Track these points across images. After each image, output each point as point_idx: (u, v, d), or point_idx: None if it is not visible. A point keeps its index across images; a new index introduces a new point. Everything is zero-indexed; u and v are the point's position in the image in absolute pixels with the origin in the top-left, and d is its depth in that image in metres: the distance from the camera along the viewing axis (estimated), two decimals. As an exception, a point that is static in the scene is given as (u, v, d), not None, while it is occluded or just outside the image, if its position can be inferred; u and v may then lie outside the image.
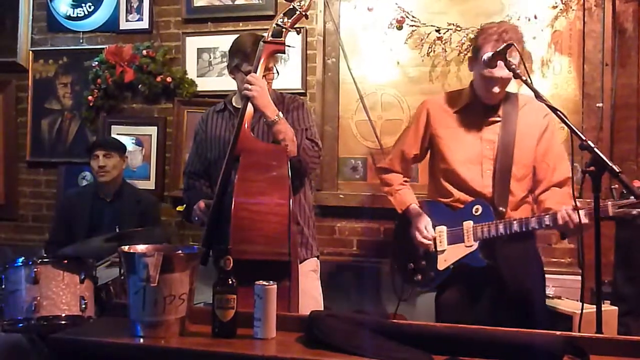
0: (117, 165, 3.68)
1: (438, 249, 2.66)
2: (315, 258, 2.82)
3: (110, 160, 3.64)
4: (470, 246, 2.58)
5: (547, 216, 2.45)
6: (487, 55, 2.47)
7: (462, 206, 2.63)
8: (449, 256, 2.64)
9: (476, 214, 2.58)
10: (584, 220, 2.33)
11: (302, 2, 2.47)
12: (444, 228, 2.66)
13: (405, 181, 2.86)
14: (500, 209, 2.56)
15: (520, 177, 2.60)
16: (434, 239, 2.66)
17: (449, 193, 2.67)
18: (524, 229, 2.49)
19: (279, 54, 2.65)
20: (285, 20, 2.48)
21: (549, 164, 2.62)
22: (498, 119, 2.63)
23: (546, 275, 2.76)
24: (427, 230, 2.65)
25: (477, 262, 2.57)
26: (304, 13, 2.48)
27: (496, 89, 2.54)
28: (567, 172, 2.60)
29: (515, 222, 2.50)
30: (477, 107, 2.65)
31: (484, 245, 2.57)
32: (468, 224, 2.59)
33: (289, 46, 2.55)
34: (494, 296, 2.58)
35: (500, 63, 2.41)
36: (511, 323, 2.28)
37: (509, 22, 3.54)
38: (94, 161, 3.63)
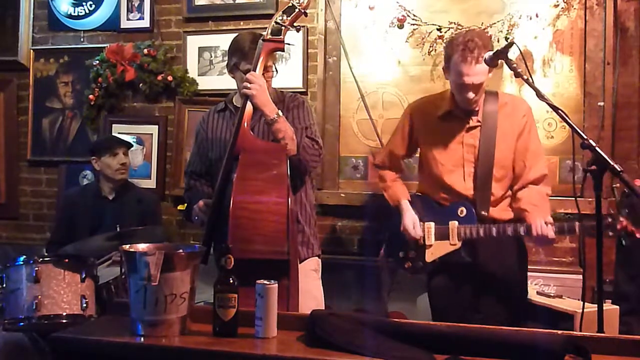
0: (130, 162, 3.75)
1: (426, 243, 2.82)
2: (317, 257, 2.82)
3: (128, 158, 3.69)
4: (455, 244, 2.75)
5: (522, 227, 2.64)
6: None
7: (448, 204, 2.80)
8: (435, 251, 2.80)
9: (461, 215, 2.75)
10: (552, 235, 2.58)
11: (301, 0, 2.47)
12: (432, 224, 2.81)
13: (398, 177, 3.01)
14: (483, 212, 2.72)
15: (500, 178, 2.75)
16: (423, 233, 2.82)
17: (435, 191, 2.85)
18: (500, 235, 2.67)
19: (278, 52, 2.65)
20: (285, 18, 2.48)
21: (526, 163, 2.75)
22: (478, 124, 2.76)
23: (547, 275, 2.83)
24: (415, 227, 2.81)
25: (460, 260, 2.75)
26: (303, 11, 2.48)
27: (470, 95, 2.65)
28: (543, 169, 2.77)
29: (494, 228, 2.67)
30: (458, 112, 2.78)
31: (467, 244, 2.74)
32: (453, 224, 2.75)
33: (288, 44, 2.55)
34: (476, 286, 2.75)
35: (473, 69, 2.57)
36: (494, 310, 2.67)
37: (510, 20, 3.55)
38: (113, 159, 3.62)
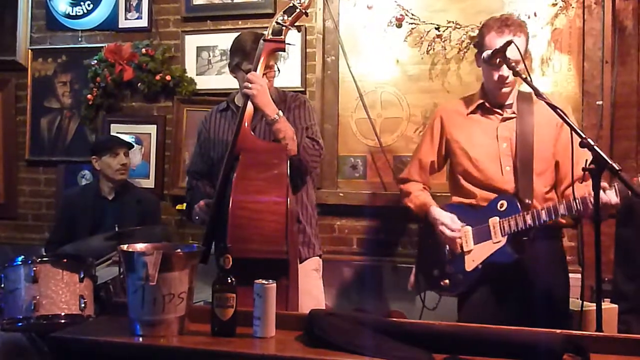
0: (131, 163, 3.75)
1: (465, 250, 2.59)
2: (318, 257, 2.81)
3: (128, 159, 3.70)
4: (498, 242, 2.52)
5: (576, 200, 2.36)
6: (486, 53, 2.48)
7: (485, 204, 2.58)
8: (476, 255, 2.56)
9: (501, 209, 2.53)
10: (615, 199, 2.31)
11: (302, 0, 2.46)
12: (469, 228, 2.59)
13: (425, 189, 2.81)
14: (527, 201, 2.51)
15: (540, 172, 2.56)
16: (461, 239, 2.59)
17: (471, 193, 2.64)
18: (553, 217, 2.42)
19: (279, 52, 2.65)
20: (286, 18, 2.48)
21: (571, 160, 2.49)
22: (513, 115, 2.61)
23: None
24: (454, 222, 2.58)
25: (507, 258, 2.50)
26: (304, 11, 2.48)
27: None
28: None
29: (543, 210, 2.43)
30: (489, 105, 2.64)
31: (512, 239, 2.51)
32: (494, 220, 2.53)
33: (289, 44, 2.55)
34: (520, 296, 2.51)
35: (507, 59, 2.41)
36: (536, 324, 2.21)
37: (508, 19, 3.54)
38: (113, 159, 3.63)
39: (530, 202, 2.51)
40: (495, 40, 2.49)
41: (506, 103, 2.62)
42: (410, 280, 2.82)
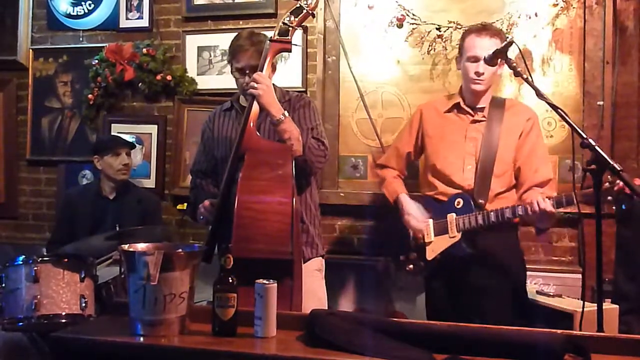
0: (132, 163, 3.75)
1: (426, 241, 2.84)
2: (321, 257, 2.82)
3: (130, 159, 3.69)
4: (454, 237, 2.75)
5: (519, 207, 2.63)
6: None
7: (446, 199, 2.81)
8: (435, 247, 2.81)
9: (458, 206, 2.76)
10: (551, 209, 2.54)
11: (309, 1, 2.47)
12: (430, 221, 2.84)
13: (399, 176, 3.05)
14: (480, 201, 2.73)
15: (499, 174, 2.77)
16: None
17: (432, 186, 2.88)
18: (499, 219, 2.66)
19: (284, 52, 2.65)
20: (292, 19, 2.48)
21: (532, 166, 2.77)
22: (483, 119, 2.83)
23: (547, 274, 2.82)
24: (420, 213, 2.84)
25: (461, 252, 2.73)
26: (310, 12, 2.48)
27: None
28: (549, 174, 2.78)
29: (492, 213, 2.67)
30: (465, 106, 2.86)
31: (467, 235, 2.73)
32: (451, 216, 2.77)
33: (295, 45, 2.55)
34: (477, 285, 2.73)
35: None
36: (493, 310, 2.63)
37: (509, 19, 3.55)
38: (115, 159, 3.63)
39: (484, 202, 2.73)
40: (474, 41, 2.76)
41: (478, 106, 2.85)
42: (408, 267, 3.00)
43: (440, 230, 2.80)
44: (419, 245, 2.86)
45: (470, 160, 2.80)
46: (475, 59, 2.74)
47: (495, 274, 2.74)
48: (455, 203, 2.78)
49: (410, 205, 2.88)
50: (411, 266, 2.88)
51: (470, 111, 2.86)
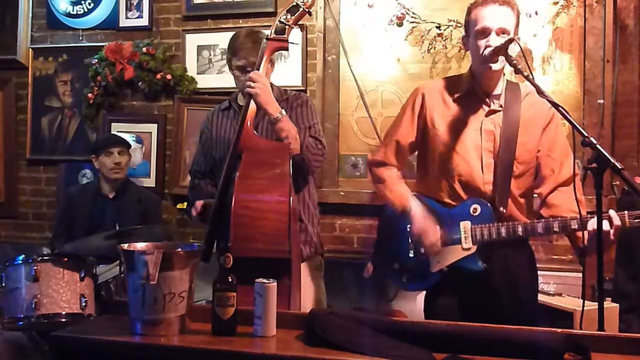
0: (128, 162, 3.74)
1: None
2: (320, 256, 2.81)
3: (123, 158, 3.68)
4: (469, 249, 2.34)
5: (573, 221, 2.22)
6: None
7: (456, 203, 2.38)
8: (443, 258, 2.37)
9: (474, 214, 2.33)
10: (606, 227, 2.07)
11: None
12: (437, 228, 2.38)
13: (400, 175, 2.54)
14: (501, 209, 2.33)
15: (518, 174, 2.37)
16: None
17: (442, 189, 2.42)
18: (528, 234, 2.31)
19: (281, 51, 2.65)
20: (289, 17, 2.47)
21: (556, 159, 2.39)
22: (499, 108, 2.39)
23: (547, 273, 2.76)
24: (433, 224, 2.37)
25: (475, 266, 2.33)
26: (307, 10, 2.47)
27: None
28: (571, 169, 2.31)
29: (520, 226, 2.28)
30: (477, 94, 2.40)
31: (483, 248, 2.33)
32: (466, 224, 2.34)
33: (292, 43, 2.54)
34: (487, 301, 2.34)
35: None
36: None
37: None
38: (107, 158, 3.63)
39: (504, 210, 2.34)
40: (480, 11, 2.34)
41: (494, 93, 2.40)
42: (367, 267, 2.76)
43: (451, 240, 2.35)
44: (420, 255, 2.42)
45: (489, 158, 2.36)
46: (485, 32, 2.29)
47: (513, 291, 2.37)
48: (471, 210, 2.33)
49: (425, 221, 2.37)
50: (405, 278, 2.46)
51: (486, 99, 2.39)
